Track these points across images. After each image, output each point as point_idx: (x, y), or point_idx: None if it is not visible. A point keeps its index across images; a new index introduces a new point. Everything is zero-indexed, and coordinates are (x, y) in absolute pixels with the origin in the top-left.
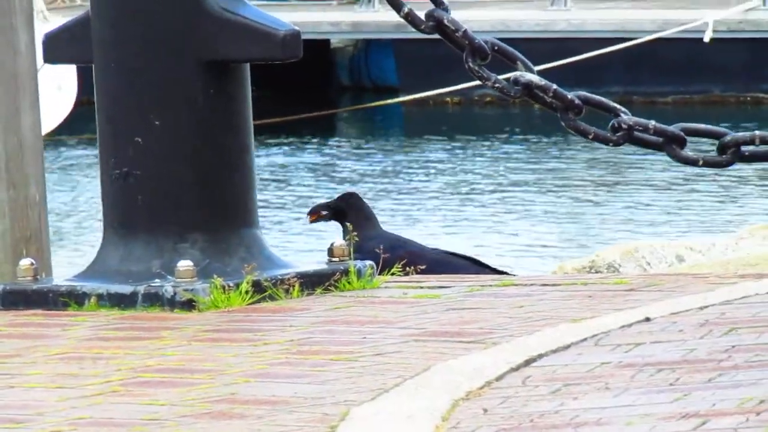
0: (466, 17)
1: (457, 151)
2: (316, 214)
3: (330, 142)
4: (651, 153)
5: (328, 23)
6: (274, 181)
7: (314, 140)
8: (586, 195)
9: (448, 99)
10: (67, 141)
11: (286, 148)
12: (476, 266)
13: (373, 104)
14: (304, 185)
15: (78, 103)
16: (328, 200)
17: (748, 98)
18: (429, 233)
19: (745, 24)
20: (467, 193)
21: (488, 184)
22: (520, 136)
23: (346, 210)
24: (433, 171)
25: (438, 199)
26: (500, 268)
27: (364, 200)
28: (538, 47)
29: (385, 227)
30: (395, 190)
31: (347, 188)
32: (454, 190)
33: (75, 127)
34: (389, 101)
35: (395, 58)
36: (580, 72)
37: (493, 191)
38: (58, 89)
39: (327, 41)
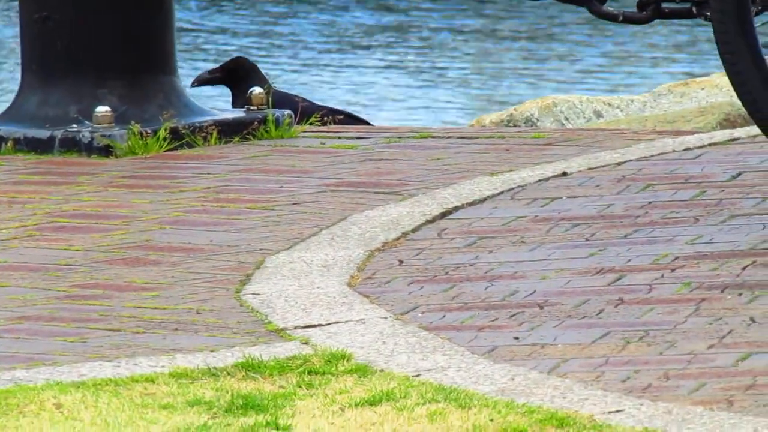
0: None
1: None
2: (204, 80)
3: None
4: (571, 9)
5: None
6: (191, 31)
7: None
8: (502, 50)
9: None
10: None
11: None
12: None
13: None
14: (219, 35)
15: None
16: (217, 65)
17: None
18: (344, 84)
19: None
20: (381, 45)
21: (404, 37)
22: None
23: (239, 71)
24: (351, 23)
25: (353, 53)
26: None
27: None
28: None
29: (297, 78)
30: (309, 42)
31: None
32: (369, 43)
33: None
34: None
35: None
36: None
37: (409, 45)
38: None
39: None
